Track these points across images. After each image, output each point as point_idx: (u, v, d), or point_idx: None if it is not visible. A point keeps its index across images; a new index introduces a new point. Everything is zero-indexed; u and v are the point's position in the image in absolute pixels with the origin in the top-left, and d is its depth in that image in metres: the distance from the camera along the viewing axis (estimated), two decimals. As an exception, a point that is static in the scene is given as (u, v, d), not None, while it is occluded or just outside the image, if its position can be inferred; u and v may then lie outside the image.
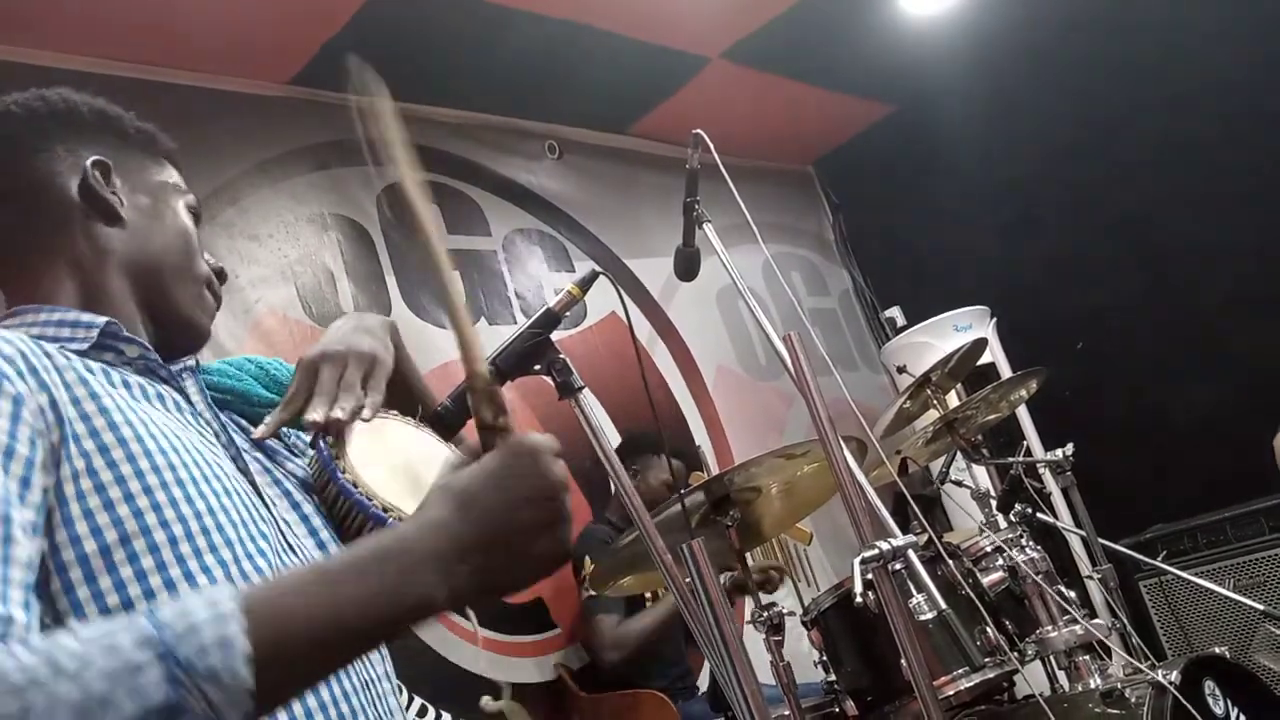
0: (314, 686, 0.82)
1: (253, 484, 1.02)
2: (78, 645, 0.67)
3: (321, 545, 1.05)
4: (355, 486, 1.03)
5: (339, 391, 1.08)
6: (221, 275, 1.16)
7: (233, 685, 0.67)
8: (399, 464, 1.13)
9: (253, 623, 0.69)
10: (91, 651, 0.66)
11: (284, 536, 1.01)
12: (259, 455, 1.09)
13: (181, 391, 1.04)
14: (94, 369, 0.94)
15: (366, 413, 1.08)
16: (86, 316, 0.99)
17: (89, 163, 1.05)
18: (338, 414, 1.06)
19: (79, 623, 0.80)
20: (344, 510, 1.06)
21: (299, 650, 0.72)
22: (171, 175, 1.15)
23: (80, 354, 0.96)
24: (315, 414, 1.05)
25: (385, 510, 1.02)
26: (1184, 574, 2.95)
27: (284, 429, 1.16)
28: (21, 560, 0.76)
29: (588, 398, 1.28)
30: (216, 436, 1.04)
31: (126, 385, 0.97)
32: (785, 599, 3.78)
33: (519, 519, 0.80)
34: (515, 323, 3.80)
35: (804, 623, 2.33)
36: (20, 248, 1.04)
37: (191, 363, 1.11)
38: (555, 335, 1.31)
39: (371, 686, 1.00)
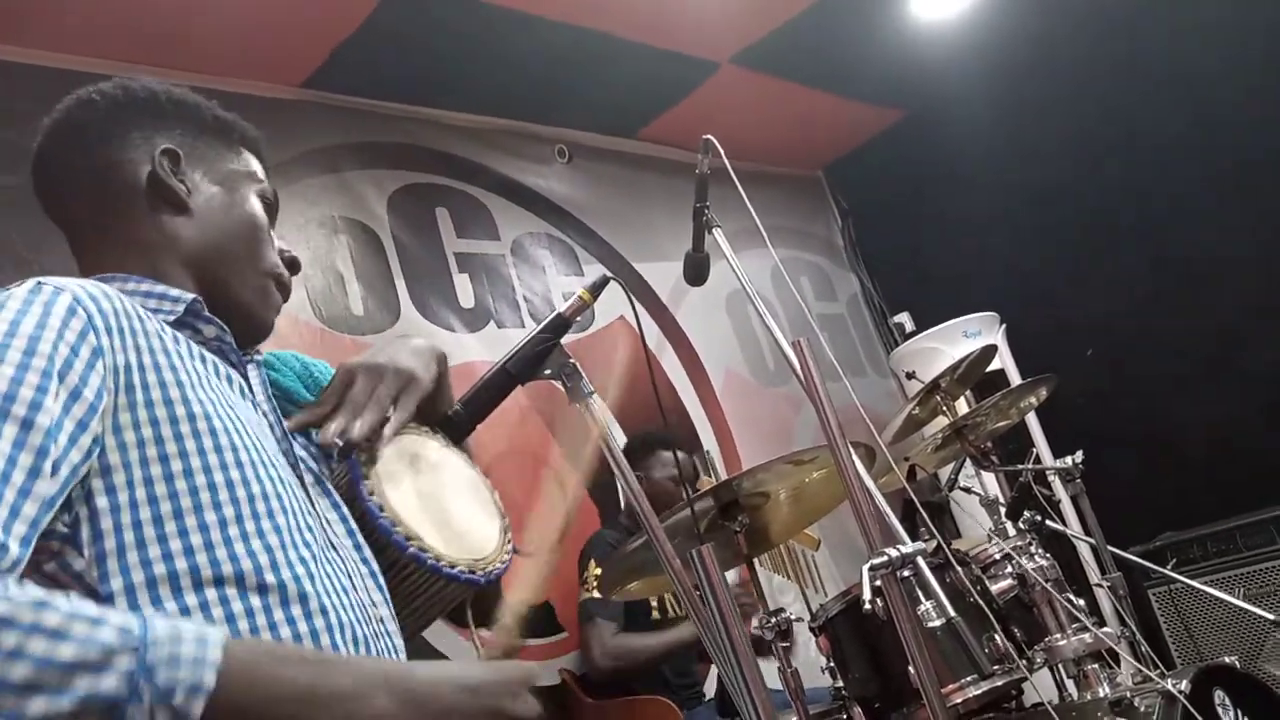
0: None
1: (300, 480, 1.04)
2: (68, 610, 0.70)
3: (358, 546, 1.07)
4: (381, 510, 1.05)
5: (366, 408, 1.09)
6: (294, 265, 1.17)
7: (182, 714, 0.70)
8: (426, 486, 1.13)
9: (226, 671, 0.73)
10: (76, 622, 0.70)
11: (327, 533, 1.02)
12: (305, 455, 1.11)
13: (246, 379, 1.07)
14: (180, 339, 0.98)
15: (387, 430, 1.09)
16: (174, 291, 1.03)
17: (158, 151, 1.08)
18: (354, 434, 1.06)
19: (124, 584, 0.84)
20: (367, 529, 1.07)
21: (251, 715, 0.75)
22: (248, 164, 1.16)
23: (167, 324, 0.99)
24: (329, 431, 1.06)
25: (409, 539, 1.03)
26: (1194, 582, 2.94)
27: (315, 432, 1.18)
28: (41, 496, 0.79)
29: (597, 403, 1.29)
30: (271, 429, 1.06)
31: (203, 360, 1.00)
32: (793, 605, 3.78)
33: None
34: (524, 326, 3.80)
35: (812, 629, 2.32)
36: (93, 228, 1.08)
37: (259, 356, 1.14)
38: (564, 339, 1.31)
39: None
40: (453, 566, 1.05)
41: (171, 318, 1.00)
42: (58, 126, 1.10)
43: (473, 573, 1.07)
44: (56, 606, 0.70)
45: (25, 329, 0.84)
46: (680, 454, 3.38)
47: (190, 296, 1.02)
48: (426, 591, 1.08)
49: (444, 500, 1.14)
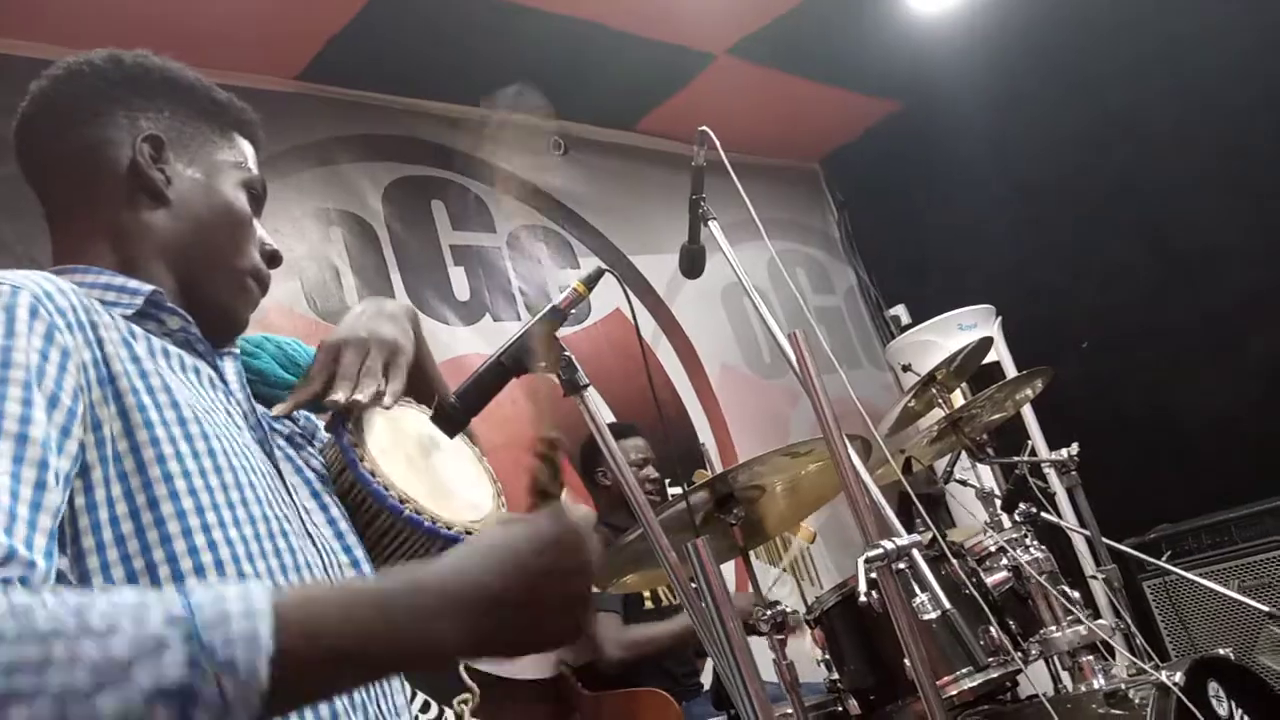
0: (322, 700, 0.85)
1: (277, 469, 1.03)
2: (109, 607, 0.67)
3: (340, 535, 1.05)
4: (374, 475, 1.04)
5: (361, 377, 1.08)
6: (274, 259, 1.13)
7: (249, 682, 0.68)
8: (416, 454, 1.13)
9: (281, 627, 0.70)
10: (121, 616, 0.67)
11: (304, 523, 1.01)
12: (282, 442, 1.10)
13: (217, 369, 1.05)
14: (137, 333, 0.95)
15: (387, 400, 1.09)
16: (133, 283, 1.00)
17: (140, 138, 1.04)
18: (359, 397, 1.06)
19: (104, 582, 0.82)
20: (359, 498, 1.07)
21: (319, 664, 0.72)
22: (236, 152, 1.13)
23: (125, 318, 0.96)
24: (337, 394, 1.06)
25: (402, 501, 1.03)
26: (1188, 574, 2.94)
27: (298, 413, 1.17)
28: (51, 508, 0.77)
29: (592, 395, 1.28)
30: (245, 418, 1.04)
31: (166, 354, 0.98)
32: (789, 598, 3.78)
33: (552, 592, 0.81)
34: (520, 319, 3.80)
35: (807, 621, 2.32)
36: (70, 209, 1.05)
37: (236, 350, 1.11)
38: (560, 332, 1.31)
39: (378, 683, 1.00)
40: (449, 527, 1.04)
41: (130, 311, 0.97)
42: (44, 96, 1.06)
43: (469, 533, 1.06)
44: (97, 606, 0.68)
45: None
46: (640, 440, 3.35)
47: (150, 288, 0.99)
48: (425, 556, 1.08)
49: (435, 466, 1.13)
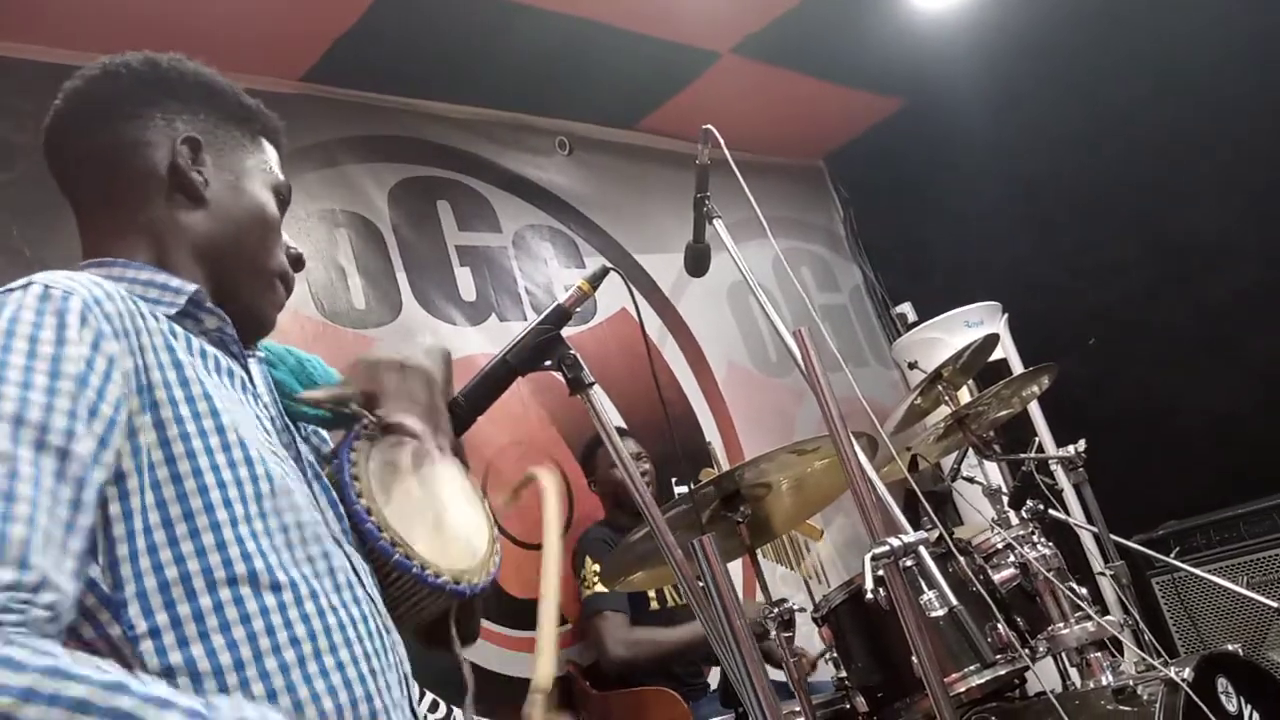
0: None
1: (304, 474, 1.04)
2: (141, 691, 0.73)
3: (359, 544, 1.06)
4: (369, 514, 1.03)
5: (405, 398, 1.11)
6: (299, 262, 1.15)
7: None
8: (416, 488, 1.11)
9: None
10: (149, 707, 0.72)
11: (330, 528, 1.01)
12: (306, 448, 1.10)
13: (247, 371, 1.05)
14: (178, 333, 0.96)
15: (440, 453, 1.12)
16: (175, 281, 1.00)
17: (179, 139, 1.05)
18: (417, 430, 1.10)
19: (136, 590, 0.83)
20: (355, 531, 1.06)
21: None
22: (264, 158, 1.14)
23: (167, 317, 0.97)
24: (386, 418, 1.09)
25: (394, 545, 1.02)
26: (1197, 571, 2.94)
27: (306, 429, 1.17)
28: (84, 529, 0.79)
29: (598, 393, 1.28)
30: (273, 422, 1.05)
31: (203, 354, 0.99)
32: (796, 595, 3.78)
33: None
34: (526, 319, 3.80)
35: (815, 619, 2.32)
36: (103, 207, 1.05)
37: (261, 353, 1.13)
38: (566, 331, 1.31)
39: (396, 688, 1.00)
40: (438, 576, 1.04)
41: (173, 310, 0.98)
42: (79, 95, 1.06)
43: (457, 583, 1.05)
44: (131, 690, 0.71)
45: (45, 349, 0.81)
46: (630, 442, 3.32)
47: (193, 288, 1.00)
48: (411, 598, 1.07)
49: (433, 506, 1.12)
